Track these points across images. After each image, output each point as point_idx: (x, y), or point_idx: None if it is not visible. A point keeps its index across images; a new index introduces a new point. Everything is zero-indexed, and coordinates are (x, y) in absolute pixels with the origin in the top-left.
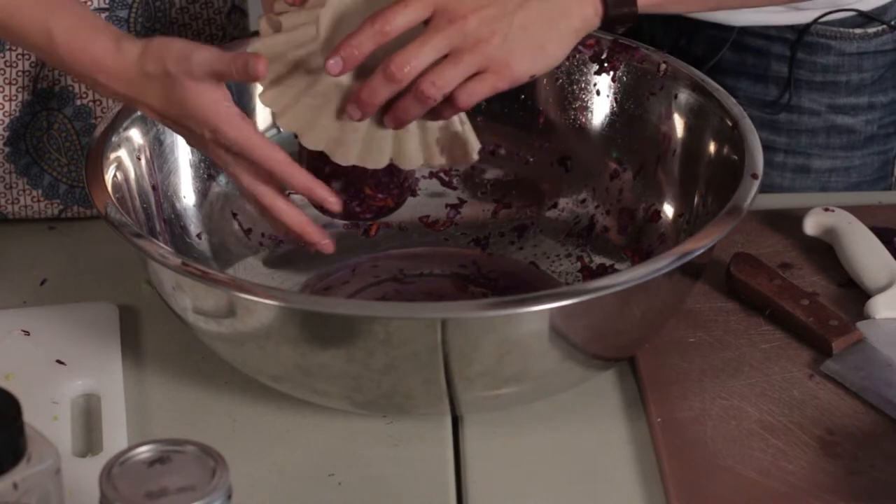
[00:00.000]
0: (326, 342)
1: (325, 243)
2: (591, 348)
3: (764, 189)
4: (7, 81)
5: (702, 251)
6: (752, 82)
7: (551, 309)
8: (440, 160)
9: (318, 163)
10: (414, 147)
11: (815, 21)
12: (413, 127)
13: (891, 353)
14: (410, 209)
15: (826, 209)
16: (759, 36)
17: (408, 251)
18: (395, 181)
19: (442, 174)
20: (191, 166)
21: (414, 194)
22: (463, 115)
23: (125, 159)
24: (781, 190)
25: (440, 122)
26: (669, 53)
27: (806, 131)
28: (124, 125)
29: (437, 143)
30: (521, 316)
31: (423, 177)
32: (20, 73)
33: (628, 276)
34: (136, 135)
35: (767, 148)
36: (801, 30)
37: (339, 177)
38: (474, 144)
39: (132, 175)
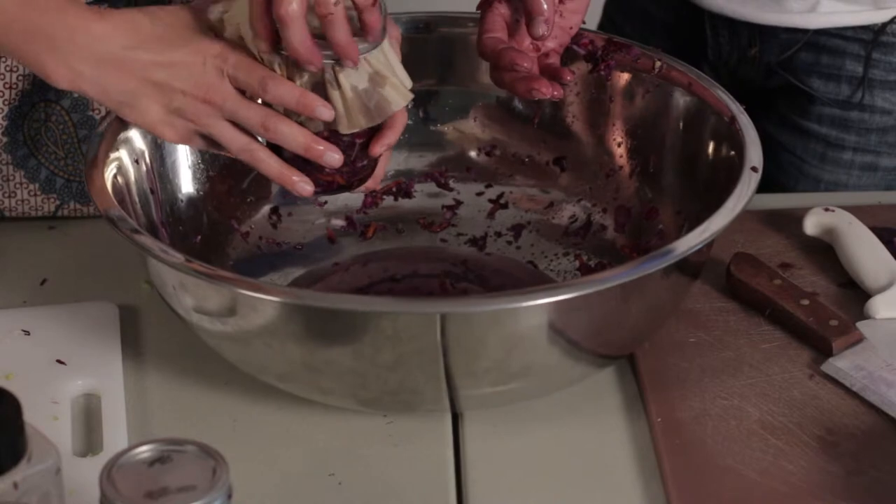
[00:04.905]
0: (333, 338)
1: (305, 188)
2: (594, 343)
3: (829, 187)
4: (8, 69)
5: (701, 245)
6: (824, 81)
7: (554, 302)
8: (365, 122)
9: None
10: (353, 107)
11: (892, 21)
12: (344, 93)
13: (891, 353)
14: (407, 210)
15: (826, 209)
16: (836, 36)
17: (405, 251)
18: (343, 158)
19: (438, 176)
20: (190, 168)
21: (410, 196)
22: (387, 66)
23: (125, 161)
24: (847, 188)
25: (350, 84)
26: (738, 63)
27: (876, 130)
28: (124, 127)
29: (358, 110)
30: (527, 309)
31: (419, 179)
32: None
33: (630, 269)
34: (135, 137)
35: (836, 146)
36: (877, 30)
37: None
38: (396, 98)
39: (132, 178)
